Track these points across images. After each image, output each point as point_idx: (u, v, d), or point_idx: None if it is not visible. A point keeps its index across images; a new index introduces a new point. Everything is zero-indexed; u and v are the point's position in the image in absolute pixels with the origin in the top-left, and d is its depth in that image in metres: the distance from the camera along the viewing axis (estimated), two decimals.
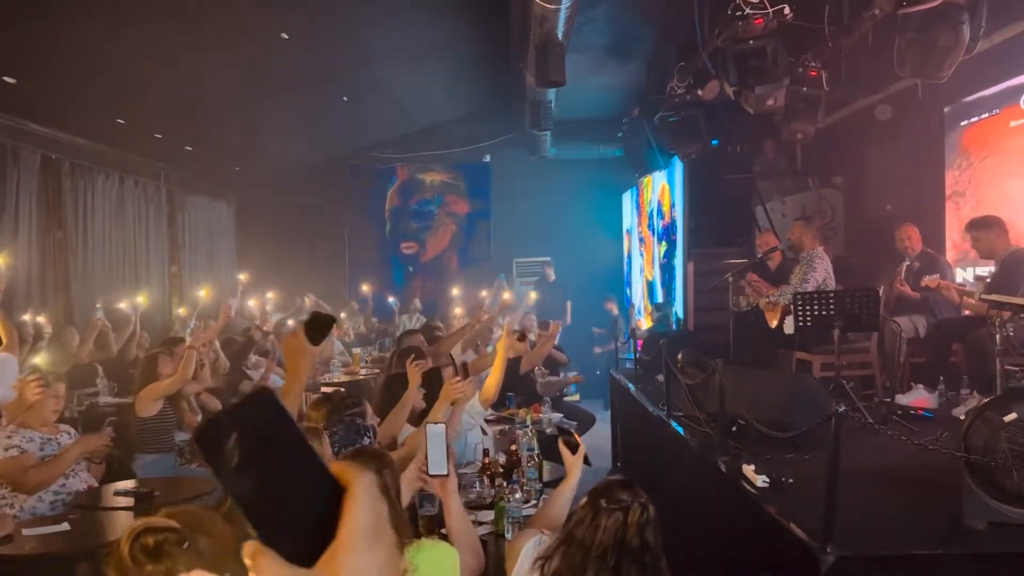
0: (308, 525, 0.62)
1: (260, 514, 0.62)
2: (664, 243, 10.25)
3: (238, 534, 1.88)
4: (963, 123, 6.88)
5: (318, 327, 2.31)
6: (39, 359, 4.79)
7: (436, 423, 2.63)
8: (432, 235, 13.70)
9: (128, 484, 4.29)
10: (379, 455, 2.35)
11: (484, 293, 9.33)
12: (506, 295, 7.85)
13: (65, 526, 3.50)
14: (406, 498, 2.72)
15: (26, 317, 7.33)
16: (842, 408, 2.86)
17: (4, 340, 4.71)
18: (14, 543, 3.34)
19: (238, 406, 0.64)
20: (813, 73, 6.73)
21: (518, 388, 6.32)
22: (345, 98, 9.97)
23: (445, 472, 2.59)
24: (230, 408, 0.64)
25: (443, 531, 2.89)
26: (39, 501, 4.02)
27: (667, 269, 10.15)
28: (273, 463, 0.62)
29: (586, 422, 7.16)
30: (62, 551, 3.32)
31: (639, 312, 11.58)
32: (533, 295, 9.83)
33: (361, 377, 8.40)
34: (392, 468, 2.32)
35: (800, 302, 5.47)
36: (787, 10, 5.65)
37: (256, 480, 0.62)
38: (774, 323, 6.22)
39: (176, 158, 10.48)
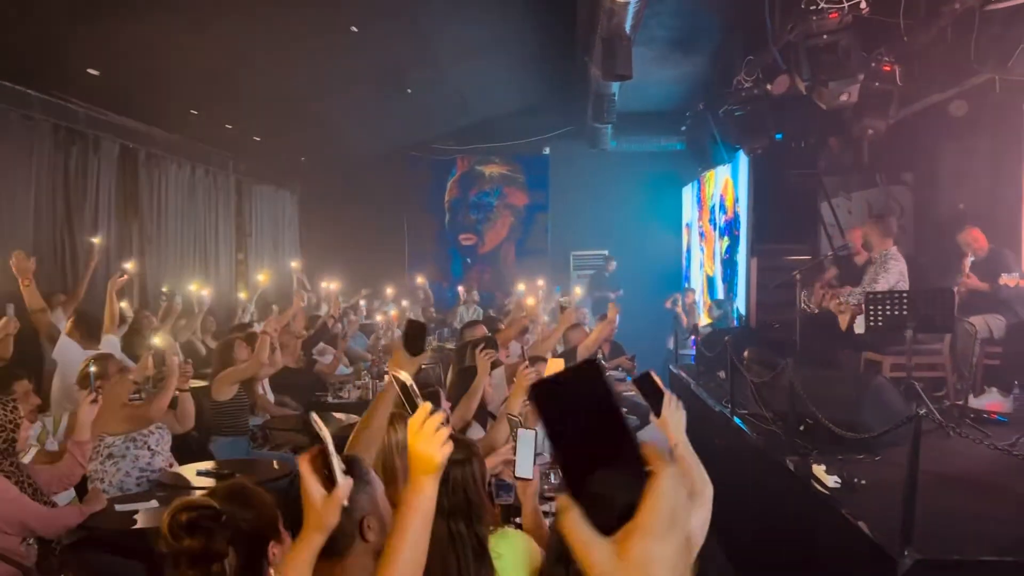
0: (612, 497, 0.68)
1: (574, 473, 0.68)
2: (726, 238, 10.16)
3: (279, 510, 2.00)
4: None
5: (414, 337, 2.42)
6: (158, 339, 5.08)
7: (528, 429, 2.71)
8: (490, 227, 13.80)
9: (209, 465, 4.46)
10: (468, 444, 2.42)
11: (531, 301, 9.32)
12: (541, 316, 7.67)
13: (154, 503, 3.67)
14: None
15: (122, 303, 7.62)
16: (923, 411, 2.84)
17: (107, 323, 4.95)
18: (108, 518, 3.51)
19: (571, 372, 0.71)
20: (886, 68, 6.59)
21: None
22: (409, 90, 10.08)
23: (531, 476, 2.68)
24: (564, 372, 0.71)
25: (516, 520, 2.96)
26: (126, 476, 4.21)
27: (729, 265, 10.06)
28: (593, 429, 0.68)
29: (644, 416, 7.15)
30: (153, 527, 3.47)
31: (699, 308, 11.48)
32: (578, 290, 9.77)
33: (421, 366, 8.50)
34: (480, 458, 2.39)
35: (872, 302, 5.39)
36: (863, 4, 5.56)
37: (577, 439, 0.68)
38: (844, 325, 6.13)
39: (245, 148, 10.74)
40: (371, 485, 2.08)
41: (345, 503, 1.62)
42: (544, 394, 0.70)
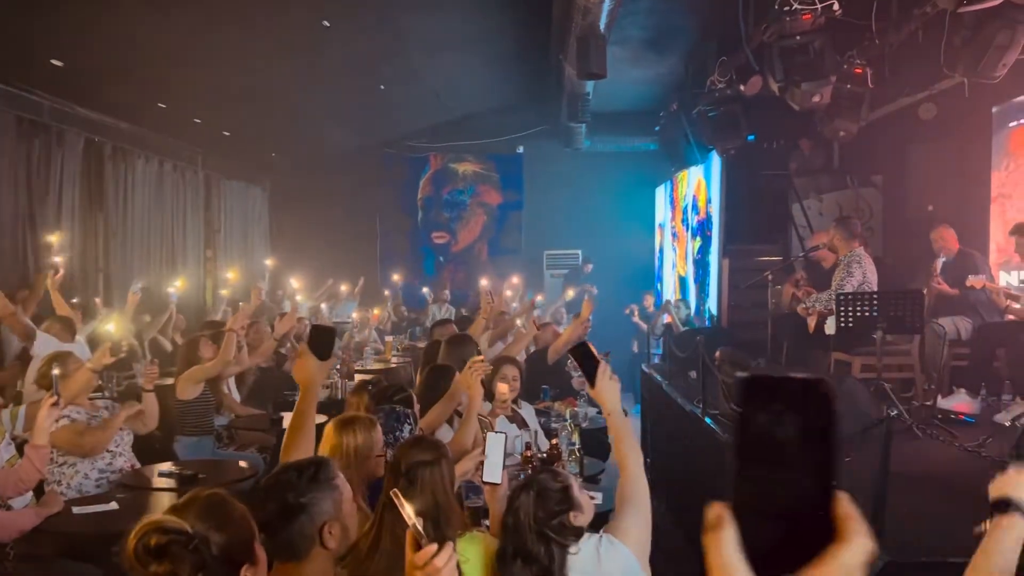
0: (783, 536, 0.60)
1: (748, 488, 0.61)
2: (698, 239, 10.18)
3: (254, 525, 1.86)
4: (1012, 124, 6.76)
5: (321, 341, 2.35)
6: (112, 323, 5.05)
7: (496, 432, 2.68)
8: (463, 225, 13.73)
9: (172, 466, 4.36)
10: (437, 445, 2.38)
11: (540, 297, 9.28)
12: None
13: (114, 505, 3.57)
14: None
15: (75, 300, 7.47)
16: (894, 412, 2.84)
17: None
18: (65, 521, 3.41)
19: (800, 380, 0.63)
20: (858, 70, 6.64)
21: (551, 380, 6.31)
22: (382, 86, 10.00)
23: (499, 481, 2.66)
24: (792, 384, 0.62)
25: (486, 523, 2.92)
26: (85, 479, 4.10)
27: (701, 265, 10.09)
28: (795, 452, 0.60)
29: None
30: (112, 530, 3.37)
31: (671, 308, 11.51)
32: (571, 291, 9.75)
33: (392, 365, 8.44)
34: (449, 459, 2.35)
35: (843, 303, 5.40)
36: (836, 6, 5.58)
37: (769, 453, 0.60)
38: (812, 327, 6.15)
39: (214, 143, 10.58)
40: (337, 490, 2.02)
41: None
42: (757, 389, 0.62)
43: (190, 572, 1.66)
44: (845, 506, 0.61)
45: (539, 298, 9.48)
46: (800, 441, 0.61)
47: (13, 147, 7.13)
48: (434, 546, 1.47)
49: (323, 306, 10.26)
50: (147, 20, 6.45)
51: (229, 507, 1.83)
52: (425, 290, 11.96)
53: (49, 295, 6.21)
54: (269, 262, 10.84)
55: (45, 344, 5.28)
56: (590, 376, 2.35)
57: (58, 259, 6.32)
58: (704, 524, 0.64)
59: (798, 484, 0.61)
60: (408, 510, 1.52)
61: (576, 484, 2.42)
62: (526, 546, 2.25)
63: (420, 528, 1.50)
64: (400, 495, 1.52)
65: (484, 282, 7.21)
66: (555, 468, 2.50)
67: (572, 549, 2.27)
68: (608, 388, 2.37)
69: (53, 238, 6.64)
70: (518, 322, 6.50)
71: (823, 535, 0.60)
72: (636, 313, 11.24)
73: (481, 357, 3.71)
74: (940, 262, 6.05)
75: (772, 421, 0.61)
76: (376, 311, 9.94)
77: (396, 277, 12.24)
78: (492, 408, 3.71)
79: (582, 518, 2.37)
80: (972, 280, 5.63)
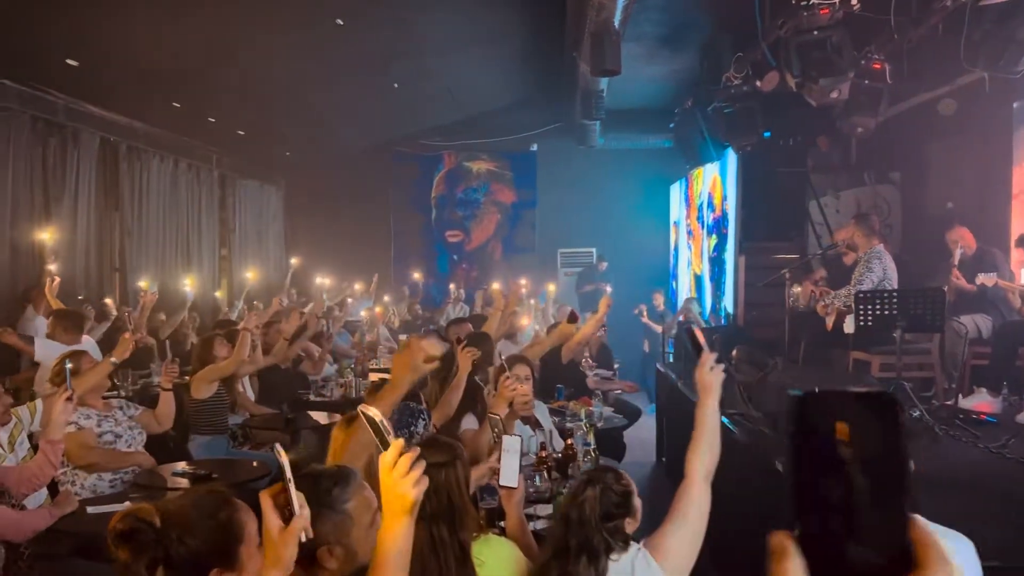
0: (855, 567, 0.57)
1: (811, 515, 0.58)
2: (714, 236, 10.11)
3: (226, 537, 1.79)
4: None
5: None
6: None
7: (512, 435, 2.65)
8: (477, 224, 13.70)
9: (186, 466, 4.36)
10: (451, 446, 2.35)
11: (525, 321, 9.24)
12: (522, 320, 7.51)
13: (128, 505, 3.55)
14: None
15: (80, 297, 7.51)
16: (915, 413, 2.78)
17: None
18: (79, 521, 3.41)
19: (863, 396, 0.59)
20: (876, 66, 6.55)
21: (566, 380, 6.27)
22: (396, 85, 9.99)
23: (515, 485, 2.63)
24: (850, 394, 0.59)
25: (501, 524, 2.89)
26: (99, 479, 4.11)
27: (716, 263, 10.01)
28: (863, 475, 0.57)
29: (633, 416, 7.09)
30: None
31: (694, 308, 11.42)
32: (552, 286, 9.73)
33: None
34: (463, 459, 2.32)
35: (862, 301, 5.33)
36: (854, 0, 5.51)
37: (835, 478, 0.57)
38: (830, 325, 6.08)
39: (229, 142, 10.61)
40: (345, 515, 1.94)
41: (303, 537, 1.55)
42: (818, 409, 0.58)
43: (147, 564, 1.66)
44: (921, 532, 0.58)
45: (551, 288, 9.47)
46: (867, 464, 0.57)
47: (29, 146, 7.17)
48: (401, 440, 1.53)
49: (349, 300, 10.33)
50: (161, 20, 6.46)
51: (218, 508, 1.78)
52: (452, 286, 11.95)
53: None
54: (295, 261, 10.88)
55: (48, 349, 5.27)
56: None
57: (53, 267, 6.40)
58: (768, 554, 0.60)
59: (869, 512, 0.57)
60: (373, 411, 1.54)
61: (635, 491, 2.38)
62: (592, 543, 2.21)
63: (387, 425, 1.53)
64: (368, 407, 1.56)
65: (496, 286, 7.19)
66: (619, 470, 2.46)
67: (613, 556, 2.23)
68: (706, 375, 2.42)
69: (46, 235, 6.70)
70: (523, 322, 6.48)
71: (900, 565, 0.57)
72: (645, 313, 11.16)
73: (468, 344, 3.72)
74: (958, 253, 5.97)
75: (834, 444, 0.57)
76: (378, 309, 9.95)
77: (417, 275, 12.26)
78: (511, 410, 3.67)
79: (633, 526, 2.33)
80: (982, 278, 5.55)
